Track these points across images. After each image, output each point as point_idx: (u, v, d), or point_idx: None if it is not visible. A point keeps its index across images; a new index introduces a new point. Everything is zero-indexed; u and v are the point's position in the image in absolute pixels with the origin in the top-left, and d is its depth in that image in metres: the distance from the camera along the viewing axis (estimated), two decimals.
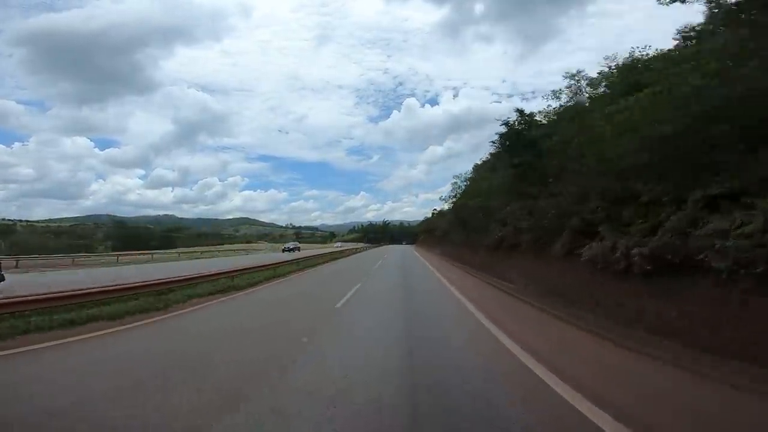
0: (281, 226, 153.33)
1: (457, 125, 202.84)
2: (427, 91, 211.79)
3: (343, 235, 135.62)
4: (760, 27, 4.90)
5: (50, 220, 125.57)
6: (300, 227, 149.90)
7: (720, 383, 3.49)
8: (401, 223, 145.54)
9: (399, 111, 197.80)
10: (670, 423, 2.82)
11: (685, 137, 5.10)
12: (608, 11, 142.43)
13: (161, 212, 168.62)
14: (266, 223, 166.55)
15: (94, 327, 5.85)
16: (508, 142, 12.95)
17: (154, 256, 31.68)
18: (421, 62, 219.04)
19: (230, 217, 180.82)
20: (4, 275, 9.74)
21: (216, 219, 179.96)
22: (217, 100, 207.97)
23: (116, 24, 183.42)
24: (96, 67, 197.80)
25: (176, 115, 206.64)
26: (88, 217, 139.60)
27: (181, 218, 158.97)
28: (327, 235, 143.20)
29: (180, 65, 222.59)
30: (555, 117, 12.05)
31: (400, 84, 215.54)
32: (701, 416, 2.98)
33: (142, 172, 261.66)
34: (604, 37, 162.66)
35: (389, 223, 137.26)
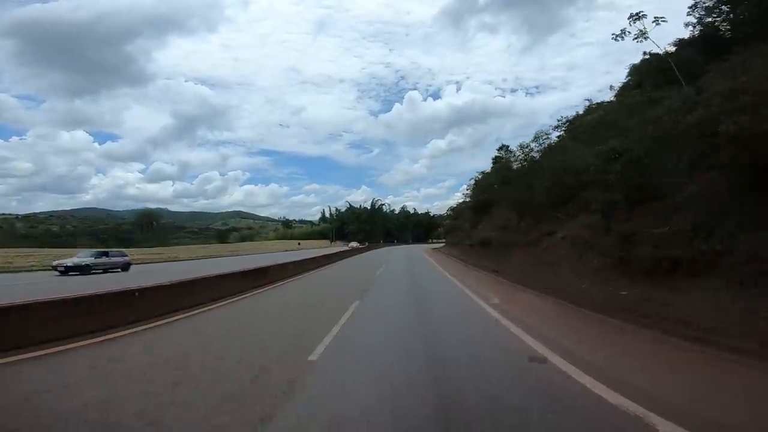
0: (276, 220, 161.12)
1: (459, 119, 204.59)
2: (430, 85, 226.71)
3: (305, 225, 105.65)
4: None
5: (37, 214, 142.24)
6: (294, 221, 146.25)
7: None
8: (403, 209, 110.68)
9: (401, 104, 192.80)
10: None
11: None
12: (616, 4, 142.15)
13: (162, 206, 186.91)
14: (261, 217, 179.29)
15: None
16: None
17: None
18: (424, 56, 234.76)
19: (224, 210, 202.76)
20: None
21: (210, 213, 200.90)
22: (216, 94, 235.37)
23: (107, 14, 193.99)
24: (88, 59, 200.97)
25: (175, 109, 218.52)
26: (76, 210, 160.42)
27: (175, 212, 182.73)
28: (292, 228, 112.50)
29: (178, 58, 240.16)
30: None
31: (402, 78, 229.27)
32: None
33: (141, 166, 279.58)
34: (611, 31, 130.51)
35: (381, 206, 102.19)
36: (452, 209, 66.48)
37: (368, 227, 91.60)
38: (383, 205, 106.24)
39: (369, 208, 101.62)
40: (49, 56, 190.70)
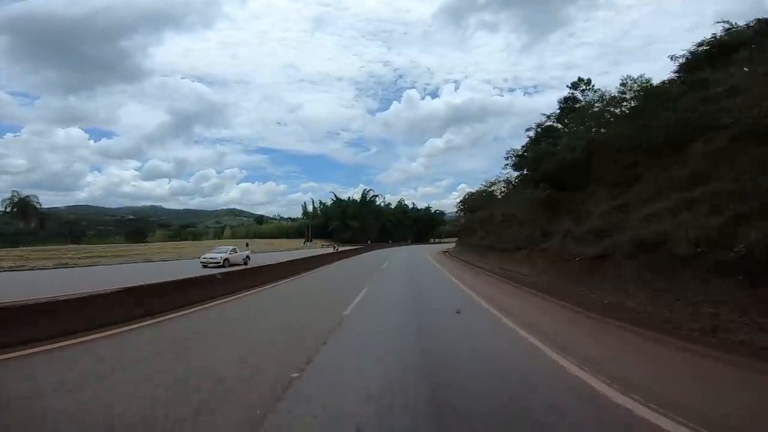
0: (271, 218, 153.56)
1: (457, 118, 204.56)
2: (428, 84, 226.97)
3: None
4: None
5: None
6: (289, 219, 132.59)
7: None
8: (400, 203, 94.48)
9: (399, 103, 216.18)
10: None
11: None
12: (617, 4, 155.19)
13: (157, 204, 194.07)
14: (257, 215, 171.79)
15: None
16: None
17: None
18: (422, 54, 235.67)
19: (219, 208, 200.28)
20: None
21: (205, 210, 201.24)
22: (214, 92, 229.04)
23: (102, 9, 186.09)
24: (83, 55, 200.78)
25: (171, 106, 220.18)
26: (69, 208, 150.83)
27: (170, 209, 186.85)
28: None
29: (175, 55, 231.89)
30: None
31: (401, 77, 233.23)
32: None
33: (137, 163, 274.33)
34: (609, 32, 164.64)
35: (373, 198, 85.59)
36: (465, 201, 50.65)
37: (357, 224, 75.09)
38: (376, 196, 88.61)
39: (359, 200, 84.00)
40: (43, 52, 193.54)
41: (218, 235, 78.51)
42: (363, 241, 67.94)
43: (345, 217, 76.83)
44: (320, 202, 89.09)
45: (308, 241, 58.23)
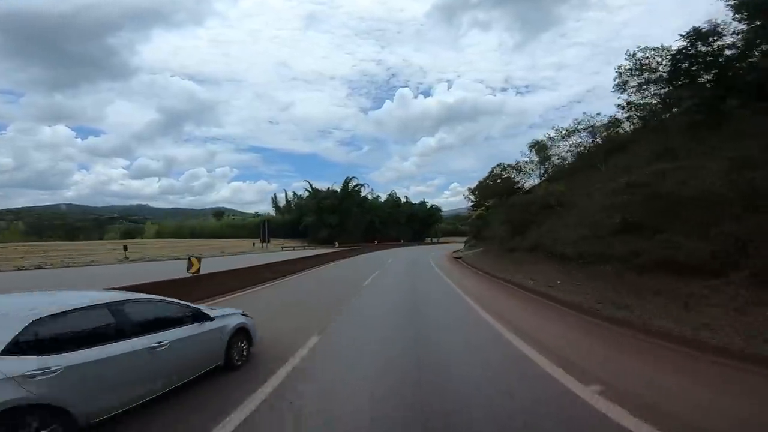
0: (261, 217, 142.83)
1: (449, 117, 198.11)
2: (420, 83, 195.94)
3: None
4: None
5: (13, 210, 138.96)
6: (254, 214, 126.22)
7: None
8: (391, 196, 79.85)
9: (391, 101, 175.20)
10: None
11: None
12: (608, 4, 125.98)
13: (143, 203, 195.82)
14: (247, 213, 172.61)
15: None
16: None
17: None
18: (416, 53, 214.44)
19: (208, 207, 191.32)
20: None
21: (194, 209, 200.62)
22: (205, 90, 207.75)
23: (88, 6, 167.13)
24: (69, 52, 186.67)
25: (161, 104, 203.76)
26: (53, 206, 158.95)
27: (157, 208, 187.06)
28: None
29: (164, 53, 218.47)
30: None
31: (393, 76, 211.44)
32: None
33: (125, 162, 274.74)
34: (601, 32, 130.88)
35: (358, 188, 70.20)
36: (485, 186, 36.48)
37: (336, 220, 60.33)
38: (361, 185, 71.39)
39: (339, 191, 66.94)
40: (29, 49, 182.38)
41: (140, 233, 61.79)
42: (351, 241, 53.43)
43: (321, 212, 62.98)
44: (294, 194, 74.15)
45: (265, 242, 43.67)
